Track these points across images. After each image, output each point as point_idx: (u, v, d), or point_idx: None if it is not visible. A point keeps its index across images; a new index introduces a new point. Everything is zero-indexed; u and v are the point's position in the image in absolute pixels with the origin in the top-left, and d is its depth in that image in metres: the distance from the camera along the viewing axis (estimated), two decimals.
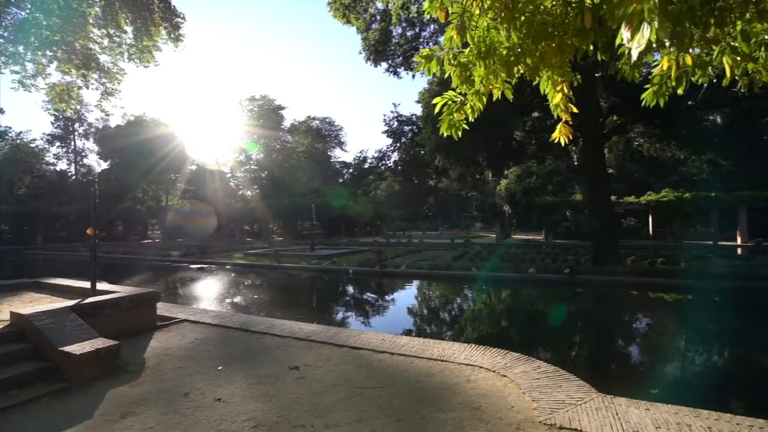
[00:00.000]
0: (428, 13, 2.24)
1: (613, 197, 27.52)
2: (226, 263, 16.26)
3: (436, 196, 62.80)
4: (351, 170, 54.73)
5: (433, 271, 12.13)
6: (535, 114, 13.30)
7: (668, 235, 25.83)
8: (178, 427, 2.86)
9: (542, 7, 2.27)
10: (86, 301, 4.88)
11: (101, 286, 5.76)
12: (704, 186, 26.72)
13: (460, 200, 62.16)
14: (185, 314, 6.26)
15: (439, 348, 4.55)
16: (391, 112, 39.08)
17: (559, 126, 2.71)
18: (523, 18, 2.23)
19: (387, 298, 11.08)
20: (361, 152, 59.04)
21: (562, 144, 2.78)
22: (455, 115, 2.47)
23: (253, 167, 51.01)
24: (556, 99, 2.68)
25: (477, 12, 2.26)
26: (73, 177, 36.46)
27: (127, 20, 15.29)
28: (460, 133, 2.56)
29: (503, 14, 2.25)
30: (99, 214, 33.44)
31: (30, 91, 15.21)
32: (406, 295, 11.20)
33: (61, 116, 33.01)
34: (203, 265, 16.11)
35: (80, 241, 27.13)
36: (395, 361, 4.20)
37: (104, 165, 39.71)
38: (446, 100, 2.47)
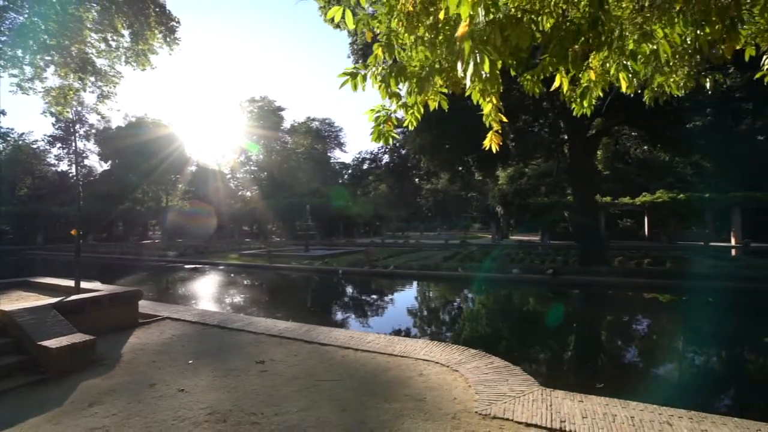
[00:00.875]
0: (334, 22, 2.44)
1: (608, 198, 27.70)
2: (220, 263, 16.52)
3: (435, 196, 63.03)
4: (350, 171, 55.07)
5: (421, 271, 12.33)
6: (524, 117, 13.48)
7: (663, 236, 25.90)
8: (139, 414, 3.08)
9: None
10: (68, 299, 5.11)
11: (86, 285, 6.00)
12: (701, 187, 26.74)
13: (460, 201, 62.26)
14: (168, 312, 6.49)
15: (403, 345, 4.75)
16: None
17: (490, 134, 2.90)
18: (441, 37, 2.43)
19: (368, 297, 11.31)
20: (360, 153, 59.28)
21: (494, 151, 2.98)
22: (384, 126, 2.67)
23: (253, 168, 51.38)
24: (486, 109, 2.88)
25: (402, 31, 2.47)
26: (74, 178, 36.93)
27: (124, 24, 15.60)
28: (390, 141, 2.76)
29: (425, 36, 2.46)
30: (99, 215, 33.67)
31: (28, 94, 15.53)
32: (388, 295, 11.41)
33: (62, 118, 33.44)
34: (197, 266, 16.39)
35: (74, 242, 27.43)
36: (358, 357, 4.40)
37: (105, 166, 40.13)
38: (376, 112, 2.68)
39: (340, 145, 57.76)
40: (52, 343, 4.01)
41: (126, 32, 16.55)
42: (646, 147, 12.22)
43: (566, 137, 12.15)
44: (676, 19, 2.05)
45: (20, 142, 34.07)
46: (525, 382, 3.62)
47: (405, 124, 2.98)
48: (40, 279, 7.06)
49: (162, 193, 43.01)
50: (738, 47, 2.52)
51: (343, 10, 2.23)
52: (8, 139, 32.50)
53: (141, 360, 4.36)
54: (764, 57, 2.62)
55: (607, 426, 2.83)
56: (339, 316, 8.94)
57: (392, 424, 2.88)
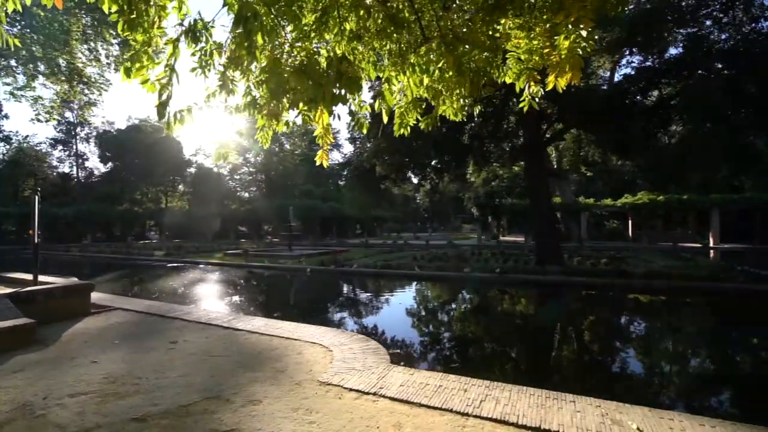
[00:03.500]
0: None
1: (591, 200, 28.10)
2: (201, 262, 17.41)
3: (431, 197, 63.56)
4: (345, 172, 55.93)
5: (381, 270, 13.05)
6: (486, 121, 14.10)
7: (642, 237, 26.27)
8: (48, 377, 3.85)
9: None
10: (23, 290, 5.92)
11: (45, 278, 6.81)
12: (696, 188, 27.00)
13: (458, 202, 62.79)
14: (121, 304, 7.29)
15: (303, 330, 5.47)
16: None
17: (320, 152, 3.60)
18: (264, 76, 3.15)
19: (317, 292, 12.15)
20: (344, 156, 60.04)
21: (324, 165, 3.67)
22: (223, 149, 3.40)
23: (251, 170, 52.48)
24: (318, 130, 3.58)
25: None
26: (75, 180, 38.36)
27: (113, 34, 16.58)
28: (232, 158, 3.47)
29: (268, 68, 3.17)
30: (98, 216, 34.58)
31: (20, 102, 16.58)
32: (336, 290, 12.21)
33: (63, 120, 34.82)
34: (178, 264, 17.28)
35: (74, 242, 28.95)
36: (258, 339, 5.14)
37: (105, 168, 41.41)
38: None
39: (337, 146, 58.62)
40: None
41: (115, 42, 17.53)
42: (599, 150, 12.73)
43: (521, 142, 12.76)
44: (408, 71, 2.73)
45: (24, 145, 35.51)
46: (379, 360, 4.31)
47: (261, 143, 3.69)
48: (7, 273, 7.90)
49: (161, 195, 44.26)
50: (509, 81, 3.22)
51: None
52: (11, 141, 33.91)
53: (76, 341, 5.14)
54: (524, 89, 3.27)
55: (414, 390, 3.52)
56: (278, 307, 9.83)
57: (242, 387, 3.61)
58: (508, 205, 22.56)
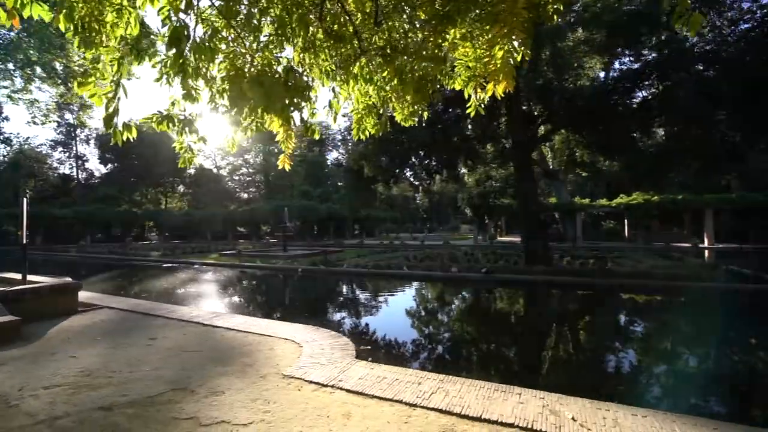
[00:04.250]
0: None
1: (586, 200, 28.20)
2: (195, 262, 17.64)
3: (431, 198, 63.70)
4: (344, 172, 56.23)
5: (370, 270, 13.23)
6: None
7: (637, 237, 26.35)
8: (27, 371, 4.04)
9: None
10: (11, 288, 6.13)
11: (34, 278, 7.02)
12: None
13: (456, 202, 62.95)
14: (109, 302, 7.49)
15: (280, 328, 5.66)
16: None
17: (282, 156, 3.78)
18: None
19: (303, 291, 12.33)
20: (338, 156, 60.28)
21: (287, 169, 3.85)
22: (187, 154, 3.58)
23: (250, 171, 52.80)
24: (280, 135, 3.76)
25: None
26: (75, 181, 38.75)
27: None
28: (192, 163, 3.66)
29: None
30: (97, 217, 34.84)
31: (17, 105, 16.85)
32: (320, 289, 12.38)
33: (63, 122, 35.19)
34: (173, 264, 17.52)
35: (74, 243, 29.27)
36: (234, 335, 5.32)
37: (105, 169, 41.76)
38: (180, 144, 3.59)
39: (336, 147, 58.91)
40: None
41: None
42: (587, 151, 12.88)
43: (509, 145, 12.92)
44: (352, 81, 2.91)
45: (24, 147, 35.93)
46: (345, 355, 4.49)
47: (228, 148, 3.88)
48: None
49: (161, 196, 44.60)
50: (459, 88, 3.39)
51: None
52: (12, 143, 34.31)
53: (59, 338, 5.34)
54: (471, 95, 3.44)
55: (370, 383, 3.69)
56: (261, 306, 10.06)
57: (209, 379, 3.79)
58: (502, 206, 22.73)
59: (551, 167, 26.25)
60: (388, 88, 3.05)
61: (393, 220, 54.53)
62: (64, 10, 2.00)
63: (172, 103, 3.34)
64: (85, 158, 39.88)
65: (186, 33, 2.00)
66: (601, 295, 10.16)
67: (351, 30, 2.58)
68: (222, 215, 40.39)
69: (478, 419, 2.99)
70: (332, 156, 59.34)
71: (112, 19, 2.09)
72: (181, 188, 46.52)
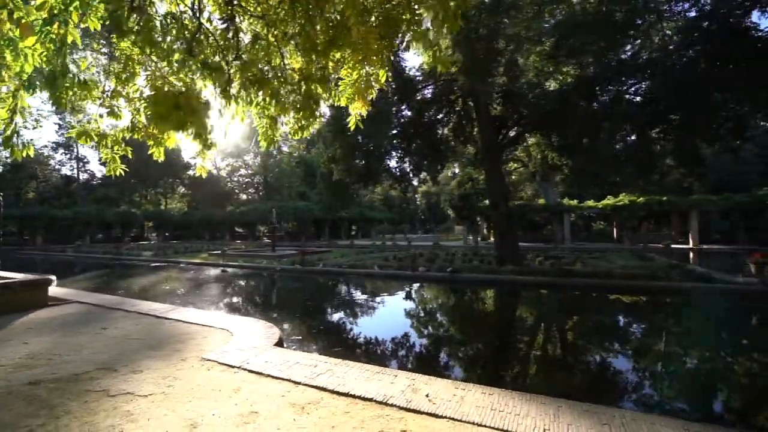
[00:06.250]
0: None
1: (573, 201, 28.43)
2: (182, 262, 18.31)
3: (428, 199, 64.15)
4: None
5: (344, 269, 13.74)
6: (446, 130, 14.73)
7: (623, 238, 26.56)
8: None
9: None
10: None
11: (6, 274, 7.62)
12: (679, 189, 27.19)
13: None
14: (80, 298, 8.07)
15: (222, 319, 6.17)
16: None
17: (198, 165, 4.29)
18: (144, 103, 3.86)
19: (270, 288, 12.84)
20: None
21: (203, 176, 4.36)
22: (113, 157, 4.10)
23: (248, 172, 53.61)
24: (197, 147, 4.26)
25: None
26: (76, 183, 39.84)
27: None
28: (120, 171, 4.18)
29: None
30: (95, 218, 35.68)
31: None
32: (290, 287, 12.87)
33: (64, 124, 36.15)
34: (160, 264, 18.19)
35: (72, 243, 30.26)
36: (178, 326, 5.84)
37: (105, 171, 42.70)
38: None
39: None
40: None
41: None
42: (555, 155, 13.23)
43: (477, 149, 13.34)
44: (234, 102, 3.42)
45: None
46: (267, 343, 4.98)
47: (155, 157, 4.39)
48: None
49: (161, 197, 45.55)
50: (344, 104, 3.88)
51: None
52: None
53: (21, 328, 5.90)
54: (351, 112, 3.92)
55: (273, 366, 4.17)
56: (223, 300, 10.60)
57: (136, 362, 4.30)
58: (484, 207, 23.13)
59: (537, 169, 26.59)
60: (272, 108, 3.54)
61: (390, 221, 54.98)
62: None
63: (88, 121, 3.89)
64: (86, 160, 41.16)
65: (64, 72, 2.52)
66: (556, 293, 10.56)
67: (221, 63, 3.09)
68: (220, 216, 41.17)
69: (345, 394, 3.47)
70: None
71: (10, 60, 2.61)
72: (180, 189, 47.47)
